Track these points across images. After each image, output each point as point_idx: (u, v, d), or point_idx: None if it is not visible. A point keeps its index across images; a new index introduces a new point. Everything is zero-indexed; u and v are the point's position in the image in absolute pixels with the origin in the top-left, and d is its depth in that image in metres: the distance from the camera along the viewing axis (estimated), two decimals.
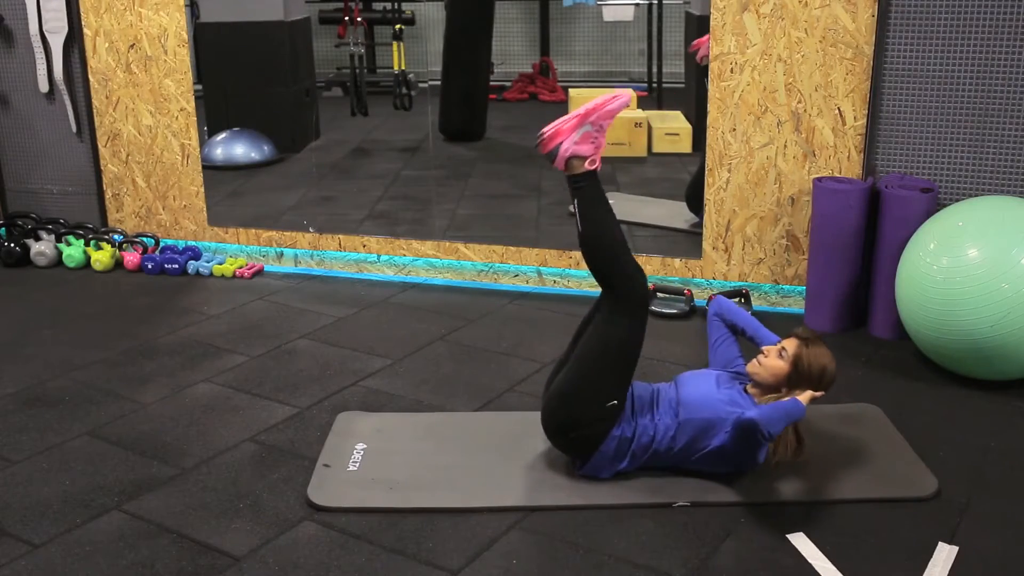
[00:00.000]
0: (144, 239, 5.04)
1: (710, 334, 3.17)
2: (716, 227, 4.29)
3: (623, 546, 2.61)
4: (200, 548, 2.63)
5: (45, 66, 5.05)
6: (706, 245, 4.33)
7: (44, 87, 5.10)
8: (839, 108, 3.99)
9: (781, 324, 3.40)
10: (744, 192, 4.20)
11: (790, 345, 2.86)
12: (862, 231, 3.92)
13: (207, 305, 4.45)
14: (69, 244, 5.04)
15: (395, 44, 6.54)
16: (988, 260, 3.33)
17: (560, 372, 2.94)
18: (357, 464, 3.01)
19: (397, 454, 3.08)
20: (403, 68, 6.53)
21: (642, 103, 6.55)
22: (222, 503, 2.84)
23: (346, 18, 6.68)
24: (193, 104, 4.93)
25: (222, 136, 6.20)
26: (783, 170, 4.13)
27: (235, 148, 6.18)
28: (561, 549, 2.61)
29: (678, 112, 6.42)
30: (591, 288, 4.09)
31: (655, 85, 7.18)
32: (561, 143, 2.84)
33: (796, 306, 4.23)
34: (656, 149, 6.14)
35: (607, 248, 2.84)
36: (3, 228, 5.17)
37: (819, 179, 3.97)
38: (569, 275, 4.55)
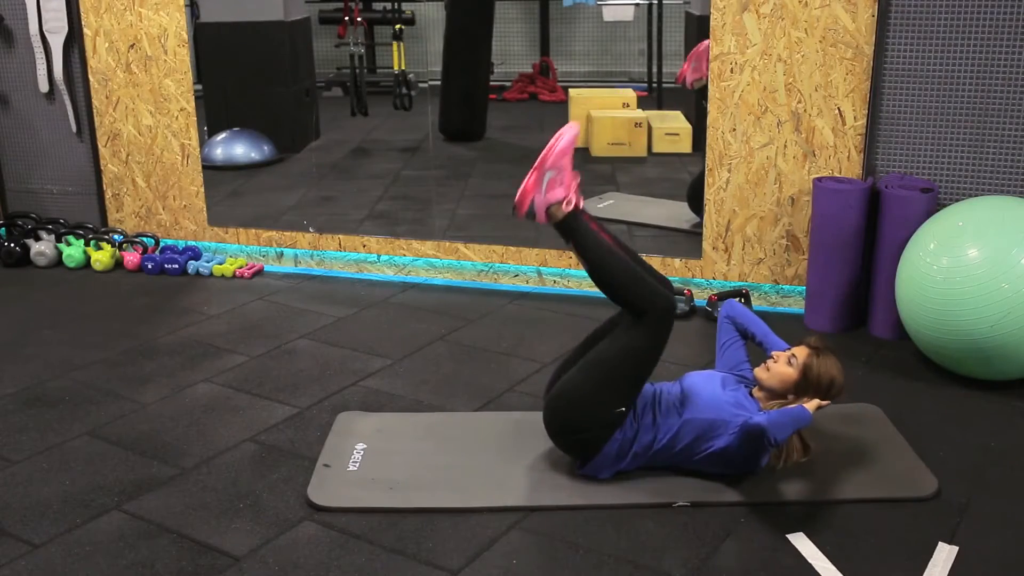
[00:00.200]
0: (144, 239, 5.04)
1: (719, 336, 3.16)
2: (716, 227, 4.29)
3: (623, 546, 2.61)
4: (200, 548, 2.63)
5: (45, 66, 5.05)
6: (706, 245, 4.33)
7: (44, 87, 5.10)
8: (839, 108, 4.00)
9: (781, 324, 3.41)
10: (744, 192, 4.20)
11: (800, 353, 2.85)
12: (862, 231, 3.92)
13: (207, 305, 4.45)
14: (69, 244, 5.04)
15: (395, 44, 6.55)
16: (988, 260, 3.33)
17: (568, 372, 2.92)
18: (357, 464, 3.01)
19: (397, 454, 3.08)
20: (403, 68, 6.54)
21: (642, 103, 6.56)
22: (222, 503, 2.84)
23: (346, 18, 6.68)
24: (193, 104, 4.93)
25: (222, 136, 6.20)
26: (783, 170, 4.13)
27: (235, 148, 6.18)
28: (561, 549, 2.61)
29: (678, 112, 6.42)
30: (591, 288, 4.09)
31: (655, 85, 7.18)
32: (533, 200, 2.85)
33: (796, 306, 4.23)
34: (656, 149, 6.15)
35: (617, 277, 2.82)
36: (3, 228, 5.17)
37: (819, 179, 3.97)
38: (569, 275, 4.55)
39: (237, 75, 6.38)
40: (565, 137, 2.88)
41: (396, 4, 6.76)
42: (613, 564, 2.54)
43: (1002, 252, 3.33)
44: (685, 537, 2.65)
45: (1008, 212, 3.45)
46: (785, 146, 4.10)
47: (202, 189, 5.04)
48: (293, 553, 2.60)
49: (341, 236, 4.88)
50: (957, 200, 3.87)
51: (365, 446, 3.11)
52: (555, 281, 4.58)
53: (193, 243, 5.10)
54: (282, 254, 4.98)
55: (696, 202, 4.75)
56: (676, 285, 4.30)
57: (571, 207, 2.85)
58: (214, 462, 3.07)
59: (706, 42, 4.73)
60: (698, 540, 2.63)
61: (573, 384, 2.86)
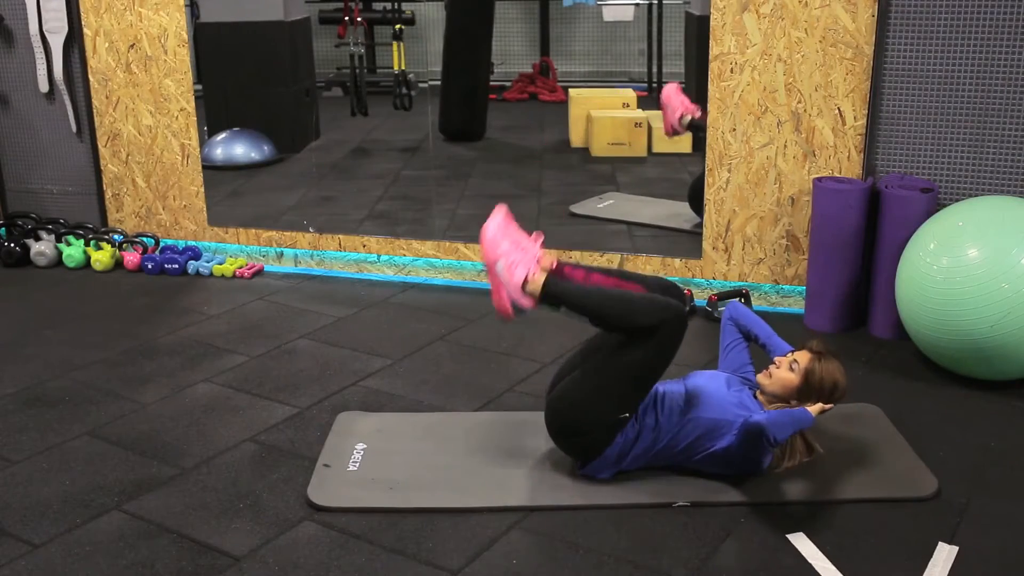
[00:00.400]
0: (144, 239, 5.04)
1: (722, 338, 3.16)
2: (716, 227, 4.29)
3: (623, 546, 2.61)
4: (200, 548, 2.63)
5: (45, 66, 5.05)
6: (706, 245, 4.33)
7: (44, 87, 5.10)
8: (839, 108, 4.00)
9: (781, 324, 3.41)
10: (744, 192, 4.20)
11: (802, 358, 2.84)
12: (862, 231, 3.92)
13: (207, 305, 4.45)
14: (69, 244, 5.04)
15: (395, 44, 6.55)
16: (988, 260, 3.33)
17: (572, 373, 2.90)
18: (357, 464, 3.01)
19: (397, 454, 3.08)
20: (403, 68, 6.54)
21: (642, 103, 6.56)
22: (222, 503, 2.84)
23: (346, 18, 6.68)
24: (193, 104, 4.93)
25: (222, 136, 6.20)
26: (783, 170, 4.13)
27: (235, 148, 6.18)
28: (561, 549, 2.61)
29: None
30: None
31: (655, 85, 7.18)
32: (508, 296, 2.83)
33: (796, 306, 4.24)
34: (656, 149, 6.15)
35: (620, 314, 2.76)
36: (3, 228, 5.17)
37: (819, 179, 3.97)
38: None
39: (237, 75, 6.38)
40: (488, 229, 2.86)
41: (396, 4, 6.76)
42: (613, 564, 2.54)
43: (1002, 252, 3.33)
44: (685, 537, 2.65)
45: (1008, 212, 3.45)
46: (785, 146, 4.10)
47: (202, 189, 5.04)
48: (293, 553, 2.60)
49: (341, 236, 4.88)
50: (957, 200, 3.87)
51: (365, 446, 3.11)
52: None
53: (193, 243, 5.10)
54: (282, 254, 4.98)
55: (697, 202, 4.75)
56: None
57: (543, 275, 2.81)
58: (214, 462, 3.07)
59: (668, 87, 4.84)
60: (698, 540, 2.63)
61: (577, 387, 2.84)
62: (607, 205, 5.43)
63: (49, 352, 3.93)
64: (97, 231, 5.13)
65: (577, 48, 8.54)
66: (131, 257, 4.93)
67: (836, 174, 4.06)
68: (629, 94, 6.60)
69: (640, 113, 6.30)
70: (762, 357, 3.06)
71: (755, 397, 2.91)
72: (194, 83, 4.95)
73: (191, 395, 3.54)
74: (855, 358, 3.73)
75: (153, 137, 5.01)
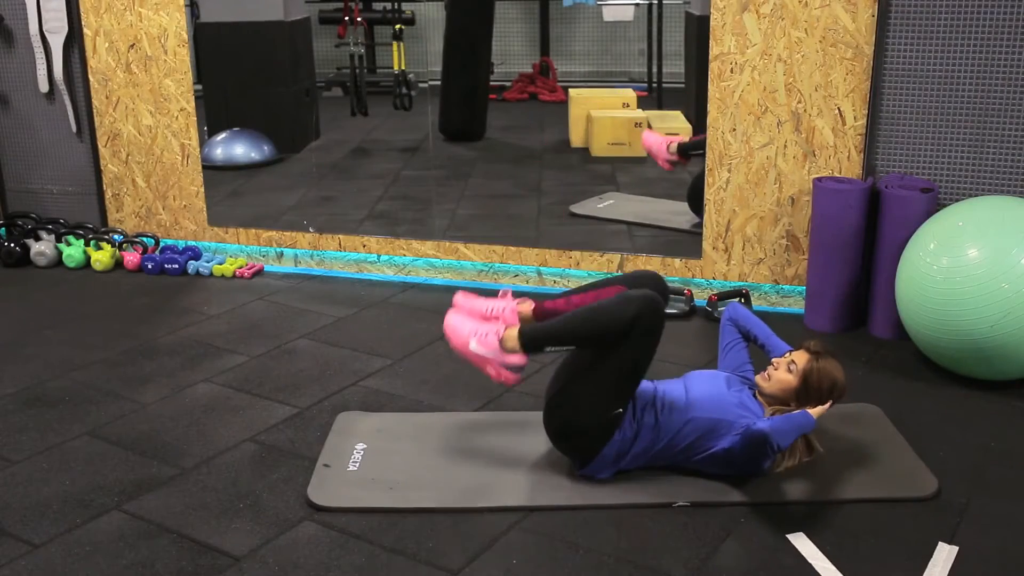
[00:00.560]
0: (144, 239, 5.04)
1: (722, 337, 3.16)
2: (716, 227, 4.29)
3: (623, 546, 2.61)
4: (200, 548, 2.63)
5: (45, 66, 5.05)
6: (706, 245, 4.33)
7: (44, 87, 5.10)
8: (839, 108, 4.00)
9: (781, 324, 3.41)
10: (744, 192, 4.20)
11: (800, 359, 2.84)
12: (862, 231, 3.92)
13: (207, 305, 4.45)
14: (69, 244, 5.04)
15: (395, 44, 6.55)
16: (988, 260, 3.33)
17: (565, 376, 2.91)
18: (357, 464, 3.01)
19: (397, 454, 3.08)
20: (403, 68, 6.54)
21: (642, 103, 6.56)
22: (222, 503, 2.84)
23: (346, 18, 6.68)
24: (193, 104, 4.93)
25: (222, 136, 6.20)
26: (783, 170, 4.13)
27: (235, 148, 6.18)
28: (561, 549, 2.61)
29: (678, 112, 6.42)
30: None
31: (655, 85, 7.18)
32: (497, 364, 2.82)
33: (796, 306, 4.23)
34: None
35: (595, 331, 2.75)
36: (3, 228, 5.17)
37: (819, 179, 3.97)
38: (569, 275, 4.55)
39: (237, 75, 6.38)
40: (447, 323, 2.88)
41: (396, 4, 6.76)
42: (613, 564, 2.54)
43: (1002, 252, 3.33)
44: (685, 537, 2.65)
45: (1008, 212, 3.45)
46: (785, 146, 4.10)
47: (202, 189, 5.04)
48: (293, 553, 2.60)
49: (341, 236, 4.89)
50: (957, 200, 3.87)
51: (365, 446, 3.11)
52: (555, 281, 4.58)
53: (193, 243, 5.10)
54: (282, 254, 4.98)
55: (695, 202, 4.75)
56: (676, 285, 4.31)
57: (513, 327, 2.81)
58: (214, 462, 3.07)
59: (643, 138, 4.91)
60: (698, 540, 2.63)
61: (571, 389, 2.85)
62: (607, 205, 5.43)
63: (49, 352, 3.93)
64: (97, 231, 5.13)
65: (577, 48, 8.53)
66: (131, 257, 4.93)
67: (836, 174, 4.06)
68: (629, 94, 6.59)
69: (640, 113, 6.30)
70: (761, 357, 3.06)
71: (754, 397, 2.91)
72: (194, 83, 4.95)
73: (191, 395, 3.54)
74: (855, 358, 3.73)
75: (153, 137, 5.01)
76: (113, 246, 4.98)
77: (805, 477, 2.88)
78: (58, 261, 5.02)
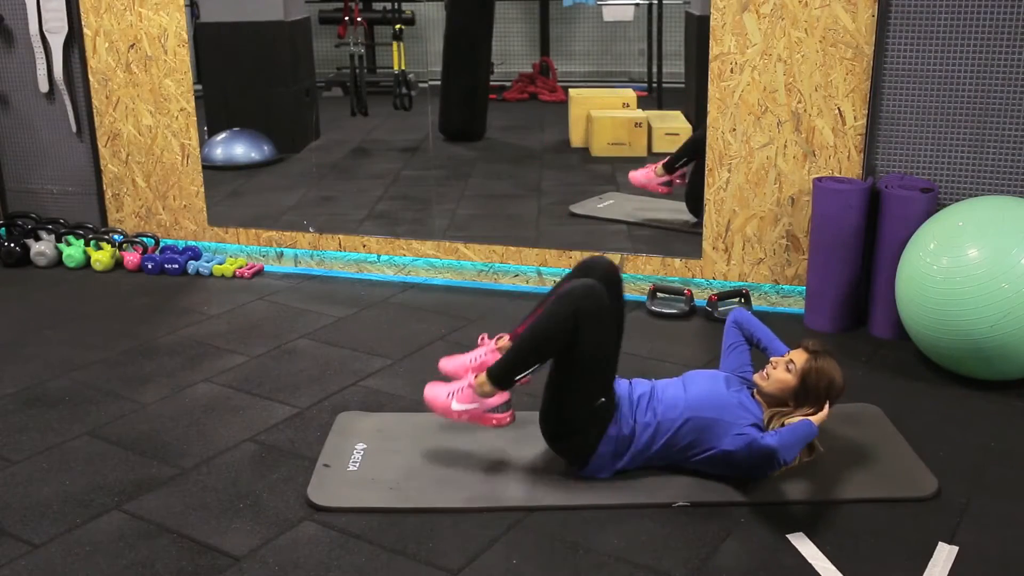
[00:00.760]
0: (144, 239, 5.04)
1: (725, 339, 3.17)
2: (716, 227, 4.29)
3: (623, 546, 2.61)
4: (200, 548, 2.63)
5: (45, 66, 5.05)
6: (706, 245, 4.33)
7: (44, 87, 5.10)
8: (839, 108, 4.00)
9: (781, 324, 3.41)
10: (744, 192, 4.20)
11: (798, 358, 2.84)
12: (862, 231, 3.92)
13: (207, 305, 4.45)
14: (69, 244, 5.04)
15: (395, 44, 6.55)
16: (988, 260, 3.33)
17: (547, 383, 2.92)
18: (357, 464, 3.01)
19: (397, 454, 3.08)
20: (403, 68, 6.54)
21: (642, 103, 6.56)
22: (222, 503, 2.84)
23: (346, 18, 6.68)
24: (193, 104, 4.93)
25: (222, 136, 6.20)
26: (783, 170, 4.13)
27: (235, 148, 6.18)
28: (561, 549, 2.61)
29: (678, 112, 6.42)
30: None
31: (655, 85, 7.18)
32: (484, 411, 2.87)
33: (796, 306, 4.23)
34: (656, 149, 6.14)
35: (549, 338, 2.78)
36: (3, 228, 5.17)
37: (819, 179, 3.97)
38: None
39: (237, 75, 6.38)
40: (426, 394, 2.94)
41: (396, 4, 6.76)
42: (613, 564, 2.54)
43: (1002, 252, 3.33)
44: (685, 537, 2.65)
45: (1008, 212, 3.45)
46: (785, 146, 4.10)
47: (202, 189, 5.04)
48: (293, 553, 2.60)
49: (341, 236, 4.89)
50: (957, 200, 3.87)
51: (365, 446, 3.11)
52: (555, 281, 4.57)
53: (193, 243, 5.10)
54: (282, 254, 4.98)
55: (693, 203, 4.76)
56: (676, 285, 4.32)
57: (481, 373, 2.84)
58: (214, 462, 3.07)
59: (630, 177, 4.92)
60: (698, 540, 2.63)
61: (553, 394, 2.88)
62: (607, 205, 5.43)
63: (49, 352, 3.93)
64: (97, 231, 5.13)
65: (577, 48, 8.54)
66: (131, 257, 4.93)
67: (836, 174, 4.06)
68: (629, 94, 6.60)
69: (640, 113, 6.30)
70: (762, 361, 3.06)
71: (753, 397, 2.91)
72: (194, 83, 4.95)
73: (191, 395, 3.54)
74: (855, 358, 3.73)
75: (153, 137, 5.01)
76: (113, 246, 4.98)
77: (805, 477, 2.89)
78: (58, 261, 5.02)
